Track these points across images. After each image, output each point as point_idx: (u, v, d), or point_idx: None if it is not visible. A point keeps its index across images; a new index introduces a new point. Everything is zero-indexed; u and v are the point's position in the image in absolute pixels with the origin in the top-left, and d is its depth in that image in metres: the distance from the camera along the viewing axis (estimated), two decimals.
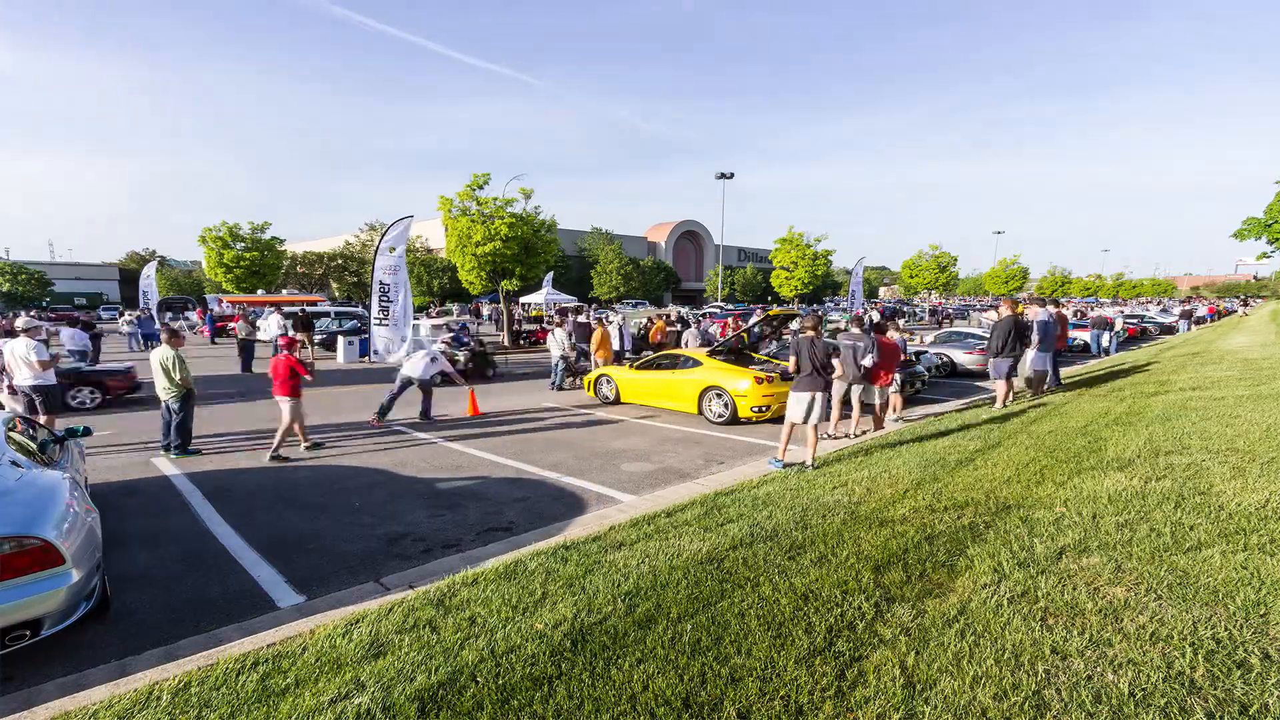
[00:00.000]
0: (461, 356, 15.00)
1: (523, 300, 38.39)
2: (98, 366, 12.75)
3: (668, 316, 22.02)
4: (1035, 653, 2.81)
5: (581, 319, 17.11)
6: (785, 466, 6.91)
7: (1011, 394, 10.34)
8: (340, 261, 58.11)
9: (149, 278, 29.96)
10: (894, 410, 9.74)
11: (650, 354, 13.10)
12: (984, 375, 15.73)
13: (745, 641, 3.07)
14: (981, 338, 16.92)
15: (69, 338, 15.30)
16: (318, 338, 21.03)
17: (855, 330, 8.87)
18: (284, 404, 7.84)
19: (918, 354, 13.91)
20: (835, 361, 7.90)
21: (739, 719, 2.53)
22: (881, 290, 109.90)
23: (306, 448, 8.25)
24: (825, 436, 8.45)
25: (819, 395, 6.82)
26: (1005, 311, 10.33)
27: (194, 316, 36.51)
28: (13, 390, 7.97)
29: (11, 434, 4.66)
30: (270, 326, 22.01)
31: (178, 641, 3.65)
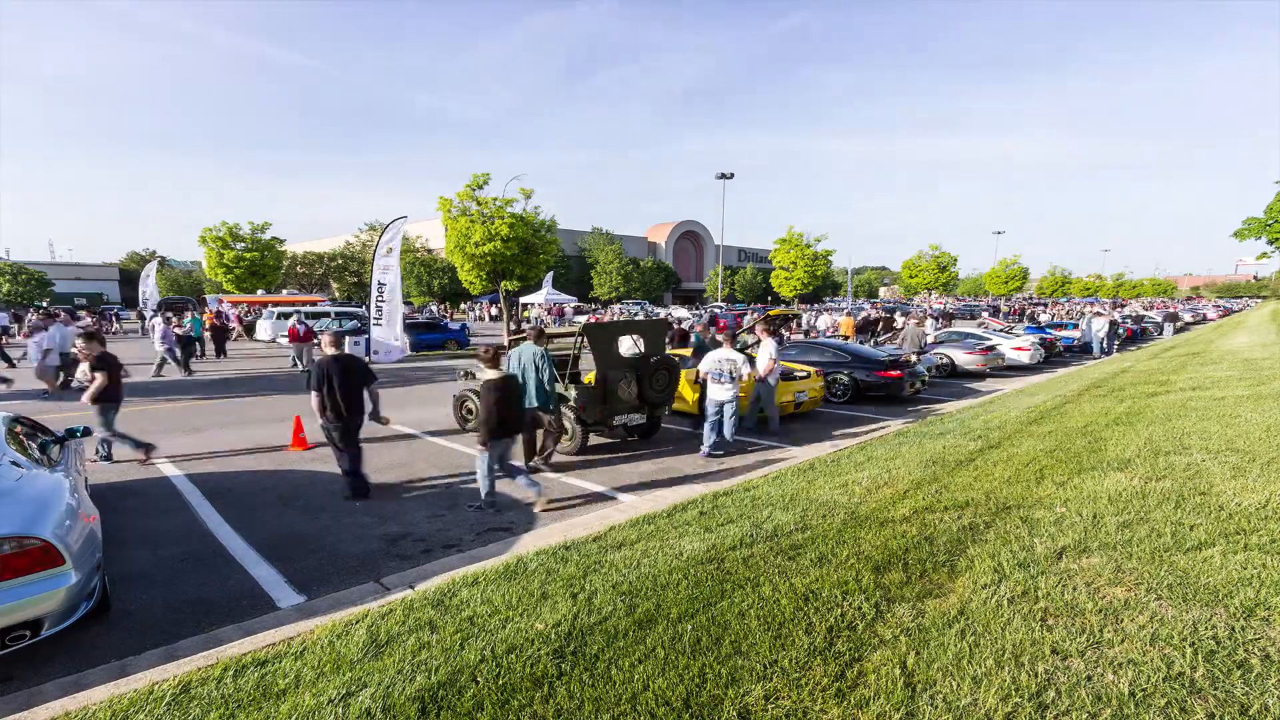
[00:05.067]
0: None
1: (524, 300, 38.41)
2: None
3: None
4: (1035, 653, 2.81)
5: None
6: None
7: None
8: (340, 262, 58.13)
9: (149, 278, 30.12)
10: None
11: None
12: (983, 375, 15.77)
13: (745, 642, 3.07)
14: (982, 338, 16.96)
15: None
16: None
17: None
18: None
19: (918, 354, 13.92)
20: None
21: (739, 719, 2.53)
22: (881, 290, 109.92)
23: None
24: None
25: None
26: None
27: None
28: None
29: (12, 434, 4.66)
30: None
31: (178, 641, 3.65)
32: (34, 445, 4.88)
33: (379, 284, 15.65)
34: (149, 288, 29.94)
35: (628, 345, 9.13)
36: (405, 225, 16.36)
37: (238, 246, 33.96)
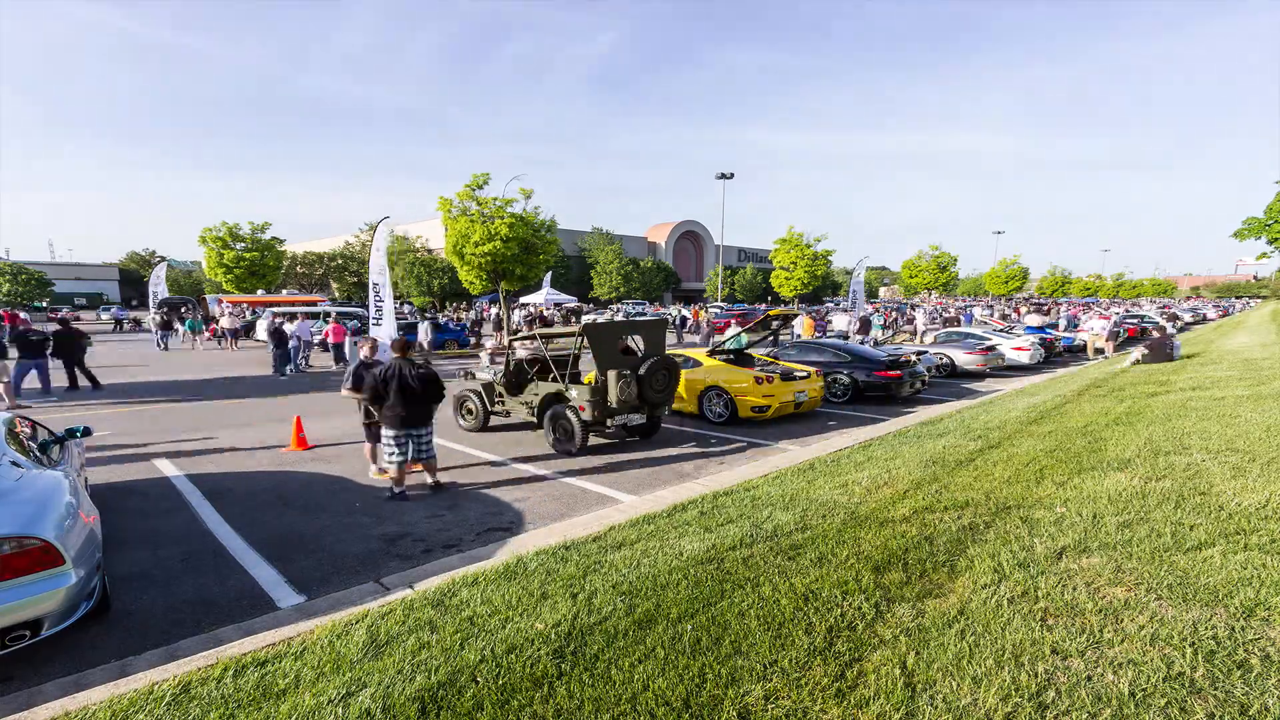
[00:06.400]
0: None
1: (523, 300, 38.38)
2: None
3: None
4: (1035, 653, 2.81)
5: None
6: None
7: None
8: (340, 261, 58.10)
9: (159, 279, 30.27)
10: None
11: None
12: (983, 376, 15.77)
13: (745, 642, 3.07)
14: (982, 338, 16.97)
15: None
16: (317, 338, 20.98)
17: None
18: None
19: (918, 354, 13.94)
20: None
21: None
22: (881, 290, 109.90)
23: None
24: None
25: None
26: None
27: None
28: None
29: (12, 434, 4.66)
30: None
31: (178, 641, 3.65)
32: (34, 445, 4.88)
33: (374, 284, 15.78)
34: (160, 288, 30.15)
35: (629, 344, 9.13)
36: (391, 224, 16.67)
37: (238, 246, 33.97)
